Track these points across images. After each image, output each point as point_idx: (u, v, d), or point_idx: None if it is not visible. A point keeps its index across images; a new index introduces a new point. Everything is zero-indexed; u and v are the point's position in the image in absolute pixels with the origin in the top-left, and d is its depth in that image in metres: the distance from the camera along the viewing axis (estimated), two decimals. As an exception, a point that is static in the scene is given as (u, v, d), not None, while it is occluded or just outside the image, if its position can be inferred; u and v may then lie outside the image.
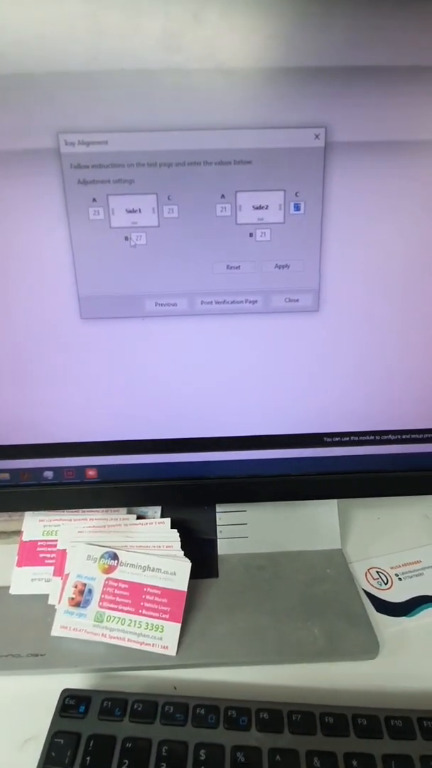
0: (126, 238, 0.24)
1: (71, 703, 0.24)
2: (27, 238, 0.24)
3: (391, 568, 0.34)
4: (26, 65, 0.21)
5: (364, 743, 0.23)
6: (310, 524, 0.35)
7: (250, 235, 0.24)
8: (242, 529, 0.35)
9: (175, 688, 0.27)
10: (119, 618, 0.29)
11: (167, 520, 0.33)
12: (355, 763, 0.22)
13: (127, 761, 0.22)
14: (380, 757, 0.22)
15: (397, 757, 0.22)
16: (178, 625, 0.28)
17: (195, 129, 0.23)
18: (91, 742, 0.23)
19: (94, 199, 0.23)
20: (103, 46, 0.21)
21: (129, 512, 0.34)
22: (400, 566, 0.34)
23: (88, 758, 0.22)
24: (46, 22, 0.21)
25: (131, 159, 0.23)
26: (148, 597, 0.29)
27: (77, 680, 0.27)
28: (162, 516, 0.34)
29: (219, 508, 0.35)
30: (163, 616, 0.29)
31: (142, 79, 0.22)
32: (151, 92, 0.22)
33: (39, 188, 0.23)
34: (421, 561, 0.34)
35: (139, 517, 0.34)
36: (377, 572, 0.33)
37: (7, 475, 0.29)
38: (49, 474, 0.29)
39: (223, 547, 0.34)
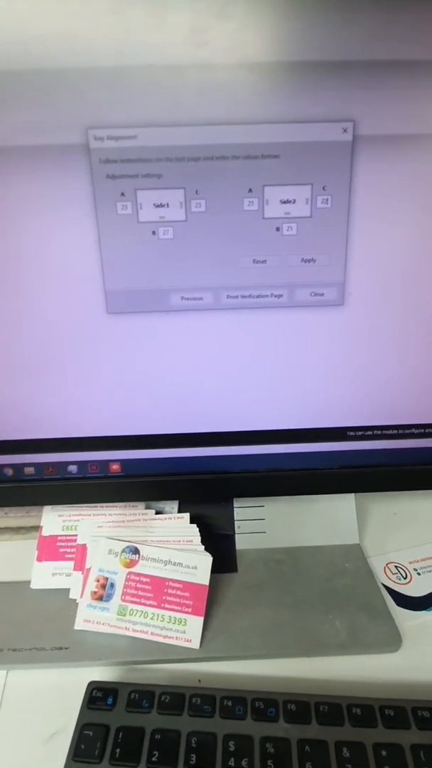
0: (153, 233, 0.24)
1: (98, 695, 0.24)
2: (55, 232, 0.24)
3: (410, 562, 0.34)
4: (53, 60, 0.22)
5: (393, 733, 0.23)
6: (328, 519, 0.35)
7: (277, 229, 0.24)
8: (260, 524, 0.35)
9: (200, 680, 0.27)
10: (142, 611, 0.29)
11: (186, 515, 0.33)
12: (384, 753, 0.22)
13: (157, 752, 0.22)
14: (408, 747, 0.22)
15: (425, 747, 0.22)
16: (201, 619, 0.28)
17: (222, 123, 0.23)
18: (120, 734, 0.23)
19: (122, 194, 0.23)
20: (129, 42, 0.22)
21: (147, 507, 0.34)
22: (418, 561, 0.34)
23: (118, 750, 0.22)
24: (71, 16, 0.21)
25: (159, 154, 0.23)
26: (170, 591, 0.29)
27: (102, 673, 0.27)
28: (180, 511, 0.34)
29: (236, 503, 0.35)
30: (186, 609, 0.29)
31: (169, 75, 0.22)
32: (179, 87, 0.22)
33: (68, 183, 0.23)
34: (438, 555, 0.34)
35: (157, 513, 0.34)
36: (396, 567, 0.33)
37: (32, 470, 0.29)
38: (73, 468, 0.29)
39: (241, 542, 0.34)
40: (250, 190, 0.24)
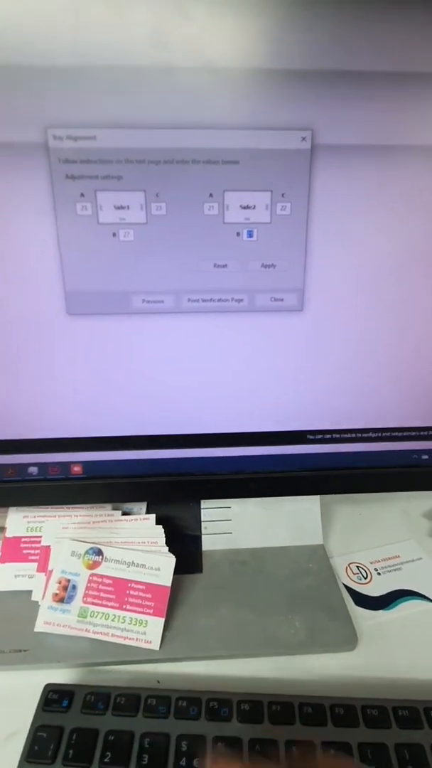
0: (114, 234, 0.24)
1: (54, 698, 0.24)
2: (13, 232, 0.24)
3: (371, 562, 0.35)
4: (11, 57, 0.21)
5: (342, 732, 0.23)
6: (294, 520, 0.35)
7: (237, 234, 0.24)
8: (227, 525, 0.35)
9: (159, 681, 0.27)
10: (103, 613, 0.29)
11: (152, 517, 0.33)
12: (332, 751, 0.23)
13: (109, 753, 0.22)
14: (357, 746, 0.23)
15: (372, 746, 0.23)
16: (162, 620, 0.29)
17: (183, 127, 0.23)
18: (74, 736, 0.23)
19: (82, 195, 0.23)
20: (89, 41, 0.21)
21: (114, 509, 0.34)
22: (379, 561, 0.35)
23: (71, 751, 0.22)
24: (30, 13, 0.21)
25: (119, 155, 0.23)
26: (132, 592, 0.29)
27: (61, 675, 0.27)
28: (147, 512, 0.34)
29: (204, 504, 0.35)
30: (147, 611, 0.29)
31: (130, 76, 0.22)
32: (140, 89, 0.22)
33: (26, 182, 0.23)
34: (399, 556, 0.35)
35: (124, 514, 0.34)
36: (357, 567, 0.34)
37: (-10, 471, 0.28)
38: (33, 470, 0.29)
39: (207, 543, 0.35)
40: (211, 195, 0.24)
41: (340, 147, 0.23)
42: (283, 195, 0.24)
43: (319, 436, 0.29)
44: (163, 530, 0.32)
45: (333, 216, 0.24)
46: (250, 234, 0.24)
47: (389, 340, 0.27)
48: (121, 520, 0.33)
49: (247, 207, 0.24)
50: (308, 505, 0.36)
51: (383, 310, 0.27)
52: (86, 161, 0.23)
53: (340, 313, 0.26)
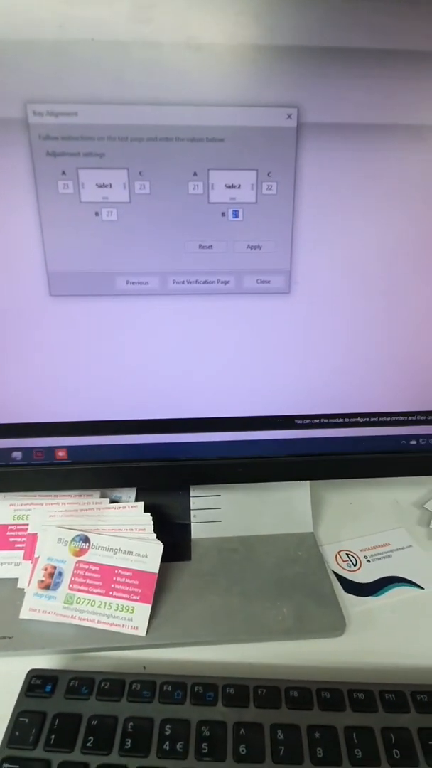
0: (96, 214, 0.24)
1: (37, 683, 0.24)
2: (-7, 210, 0.23)
3: (361, 550, 0.34)
4: (-7, 31, 0.21)
5: (327, 716, 0.23)
6: (283, 508, 0.35)
7: (223, 214, 0.24)
8: (216, 513, 0.35)
9: (144, 667, 0.27)
10: (89, 600, 0.29)
11: (140, 504, 0.33)
12: (317, 735, 0.22)
13: (92, 738, 0.22)
14: (342, 729, 0.23)
15: (358, 729, 0.23)
16: (149, 606, 0.28)
17: (167, 104, 0.22)
18: (57, 721, 0.23)
19: (63, 172, 0.23)
20: (71, 15, 0.21)
21: (102, 496, 0.34)
22: (369, 549, 0.35)
23: (53, 736, 0.22)
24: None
25: (102, 132, 0.22)
26: (119, 579, 0.29)
27: (46, 662, 0.27)
28: (136, 500, 0.34)
29: (193, 492, 0.35)
30: (134, 597, 0.29)
31: (112, 51, 0.21)
32: (122, 64, 0.22)
33: (6, 159, 0.22)
34: (389, 544, 0.35)
35: (112, 502, 0.33)
36: (347, 554, 0.34)
37: (-27, 456, 0.28)
38: (17, 455, 0.28)
39: (196, 531, 0.34)
40: (195, 174, 0.23)
41: (327, 125, 0.23)
42: (269, 174, 0.23)
43: (307, 421, 0.29)
44: (151, 518, 0.32)
45: (320, 196, 0.24)
46: (235, 214, 0.24)
47: (377, 324, 0.27)
48: (109, 508, 0.33)
49: (232, 186, 0.23)
50: (298, 493, 0.35)
51: (371, 293, 0.26)
52: (67, 138, 0.22)
53: (327, 295, 0.26)
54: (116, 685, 0.24)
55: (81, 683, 0.24)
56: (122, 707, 0.23)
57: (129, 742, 0.22)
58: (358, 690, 0.24)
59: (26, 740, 0.22)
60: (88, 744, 0.22)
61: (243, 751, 0.22)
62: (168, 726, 0.23)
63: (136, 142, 0.23)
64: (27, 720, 0.23)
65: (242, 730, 0.23)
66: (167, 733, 0.22)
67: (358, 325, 0.27)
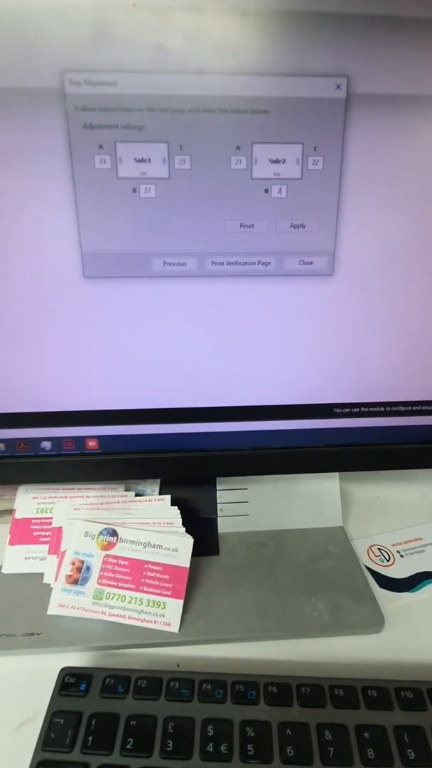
0: (134, 190, 0.22)
1: (71, 681, 0.23)
2: (26, 186, 0.22)
3: (393, 545, 0.34)
4: (26, -3, 0.20)
5: (375, 715, 0.22)
6: (312, 502, 0.34)
7: (266, 191, 0.23)
8: (243, 507, 0.34)
9: (179, 665, 0.26)
10: (119, 595, 0.28)
11: (167, 497, 0.32)
12: (366, 735, 0.22)
13: (131, 739, 0.21)
14: (391, 729, 0.22)
15: (408, 728, 0.22)
16: (181, 602, 0.27)
17: (210, 73, 0.21)
18: (93, 721, 0.22)
19: (100, 146, 0.22)
20: (112, -21, 0.20)
21: (126, 489, 0.33)
22: (401, 543, 0.34)
23: (90, 738, 0.21)
24: None
25: (141, 103, 0.21)
26: (149, 574, 0.28)
27: (76, 659, 0.26)
28: (161, 494, 0.33)
29: (219, 486, 0.34)
30: (165, 592, 0.28)
31: (154, 16, 0.20)
32: (164, 31, 0.21)
33: (41, 132, 0.21)
34: (421, 538, 0.34)
35: (137, 495, 0.32)
36: (379, 549, 0.33)
37: (2, 446, 0.27)
38: (47, 444, 0.27)
39: (223, 526, 0.33)
40: (238, 148, 0.22)
41: (378, 96, 0.22)
42: (315, 148, 0.22)
43: (347, 410, 0.28)
44: (179, 511, 0.31)
45: (368, 172, 0.23)
46: (279, 191, 0.23)
47: (423, 310, 0.26)
48: (135, 501, 0.32)
49: (276, 161, 0.22)
50: (327, 487, 0.34)
51: (418, 277, 0.25)
52: (105, 109, 0.21)
53: (372, 278, 0.25)
54: (153, 683, 0.23)
55: (117, 681, 0.23)
56: (161, 706, 0.22)
57: (171, 743, 0.21)
58: (405, 688, 0.23)
59: (62, 742, 0.21)
60: (128, 746, 0.21)
61: (290, 752, 0.21)
62: (210, 726, 0.22)
63: (177, 114, 0.22)
64: (62, 720, 0.22)
65: (288, 730, 0.22)
66: (210, 734, 0.21)
67: (402, 310, 0.26)
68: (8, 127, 0.21)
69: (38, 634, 0.26)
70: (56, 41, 0.20)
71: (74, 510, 0.31)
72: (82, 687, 0.23)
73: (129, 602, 0.27)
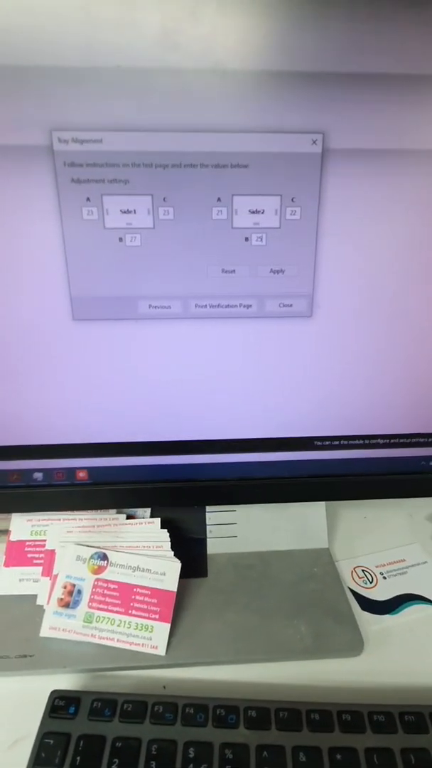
0: (120, 239, 0.24)
1: (60, 704, 0.24)
2: (19, 236, 0.23)
3: (377, 566, 0.35)
4: (17, 57, 0.21)
5: (348, 738, 0.23)
6: (299, 524, 0.35)
7: (246, 239, 0.24)
8: (232, 528, 0.35)
9: (165, 687, 0.27)
10: (109, 618, 0.29)
11: (157, 520, 0.33)
12: (339, 756, 0.23)
13: (117, 761, 0.22)
14: (363, 751, 0.23)
15: (379, 751, 0.23)
16: (168, 625, 0.29)
17: (191, 131, 0.22)
18: (81, 742, 0.23)
19: (88, 199, 0.23)
20: (97, 41, 0.21)
21: (118, 512, 0.34)
22: (385, 564, 0.35)
23: (78, 758, 0.22)
24: (37, 12, 0.20)
25: (126, 159, 0.22)
26: (137, 597, 0.29)
27: (66, 681, 0.27)
28: (152, 516, 0.34)
29: (209, 507, 0.35)
30: (153, 616, 0.29)
31: (138, 77, 0.21)
32: (148, 91, 0.22)
33: (32, 186, 0.22)
34: (405, 560, 0.35)
35: (128, 517, 0.34)
36: (363, 571, 0.34)
37: (-5, 477, 0.28)
38: (38, 475, 0.28)
39: (212, 547, 0.35)
40: (219, 199, 0.23)
41: (353, 151, 0.23)
42: (293, 199, 0.23)
43: (327, 443, 0.29)
44: (168, 534, 0.32)
45: (344, 221, 0.24)
46: (259, 239, 0.24)
47: (398, 348, 0.27)
48: (126, 524, 0.33)
49: (256, 212, 0.23)
50: (314, 509, 0.35)
51: (393, 317, 0.26)
52: (92, 164, 0.22)
53: (349, 319, 0.26)
54: (139, 707, 0.24)
55: (104, 705, 0.24)
56: (145, 729, 0.23)
57: (153, 765, 0.22)
58: (378, 712, 0.24)
59: (52, 762, 0.22)
60: (113, 766, 0.22)
61: (266, 774, 0.22)
62: (191, 749, 0.23)
63: (161, 169, 0.23)
64: (52, 741, 0.23)
65: (264, 752, 0.23)
66: (191, 756, 0.22)
67: (379, 348, 0.27)
68: (1, 181, 0.22)
69: (31, 656, 0.28)
70: (45, 101, 0.21)
71: (67, 533, 0.32)
72: (71, 710, 0.24)
73: (118, 625, 0.29)
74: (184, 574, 0.30)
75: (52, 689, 0.25)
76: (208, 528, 0.35)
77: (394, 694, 0.27)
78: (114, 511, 0.34)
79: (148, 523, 0.33)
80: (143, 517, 0.34)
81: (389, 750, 0.23)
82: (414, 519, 0.39)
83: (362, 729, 0.24)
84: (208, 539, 0.35)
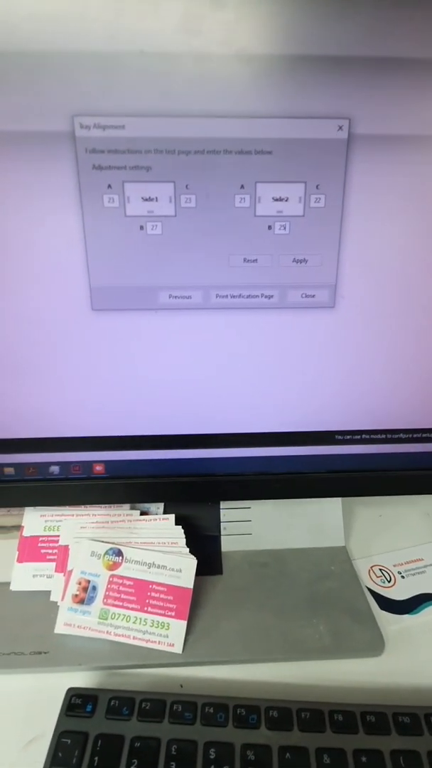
0: (141, 228, 0.23)
1: (77, 702, 0.24)
2: (38, 224, 0.23)
3: (394, 565, 0.34)
4: (40, 42, 0.20)
5: (373, 739, 0.23)
6: (315, 521, 0.35)
7: (269, 227, 0.23)
8: (246, 525, 0.35)
9: (182, 686, 0.26)
10: (124, 615, 0.28)
11: (171, 517, 0.32)
12: (364, 759, 0.22)
13: (136, 761, 0.22)
14: (388, 753, 0.22)
15: (404, 753, 0.22)
16: (184, 623, 0.28)
17: (215, 116, 0.22)
18: (99, 742, 0.22)
19: (109, 186, 0.22)
20: (121, 26, 0.20)
21: (132, 508, 0.33)
22: (402, 564, 0.34)
23: (96, 758, 0.22)
24: (60, -3, 0.20)
25: (148, 145, 0.22)
26: (153, 594, 0.29)
27: (81, 678, 0.26)
28: (165, 512, 0.33)
29: (223, 504, 0.35)
30: (169, 613, 0.28)
31: (161, 62, 0.21)
32: (171, 76, 0.21)
33: (52, 173, 0.22)
34: (423, 559, 0.34)
35: (142, 514, 0.33)
36: (380, 570, 0.33)
37: (12, 470, 0.28)
38: (55, 469, 0.28)
39: (227, 544, 0.34)
40: (242, 187, 0.23)
41: (379, 137, 0.22)
42: (317, 187, 0.23)
43: (348, 437, 0.28)
44: (183, 531, 0.31)
45: (369, 210, 0.24)
46: (282, 227, 0.23)
47: (423, 340, 0.26)
48: (140, 520, 0.33)
49: (279, 199, 0.23)
50: (330, 506, 0.35)
51: (417, 308, 0.26)
52: (114, 151, 0.22)
53: (373, 310, 0.26)
54: (157, 705, 0.24)
55: (121, 703, 0.24)
56: (164, 729, 0.23)
57: (173, 765, 0.22)
58: (403, 713, 0.24)
59: (69, 762, 0.22)
60: (132, 766, 0.22)
61: (290, 776, 0.21)
62: (212, 750, 0.22)
63: (183, 155, 0.22)
64: (69, 741, 0.22)
65: (287, 754, 0.22)
66: (212, 757, 0.22)
67: (402, 340, 0.26)
68: (21, 168, 0.22)
69: (45, 652, 0.27)
70: (67, 87, 0.21)
71: (81, 528, 0.32)
72: (88, 708, 0.24)
73: (134, 622, 0.28)
74: (199, 572, 0.30)
75: (67, 687, 0.25)
76: (222, 525, 0.34)
77: (417, 695, 0.26)
78: (128, 507, 0.33)
79: (163, 519, 0.33)
80: (157, 514, 0.33)
81: (415, 752, 0.22)
82: (431, 517, 0.38)
83: (387, 731, 0.23)
84: (222, 536, 0.34)
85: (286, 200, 0.23)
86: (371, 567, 0.34)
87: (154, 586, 0.29)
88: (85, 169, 0.22)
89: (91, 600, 0.29)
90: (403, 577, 0.33)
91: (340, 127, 0.22)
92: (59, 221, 0.23)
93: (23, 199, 0.22)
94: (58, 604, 0.29)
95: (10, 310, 0.24)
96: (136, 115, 0.22)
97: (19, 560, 0.32)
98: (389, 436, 0.28)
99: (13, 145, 0.22)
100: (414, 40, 0.21)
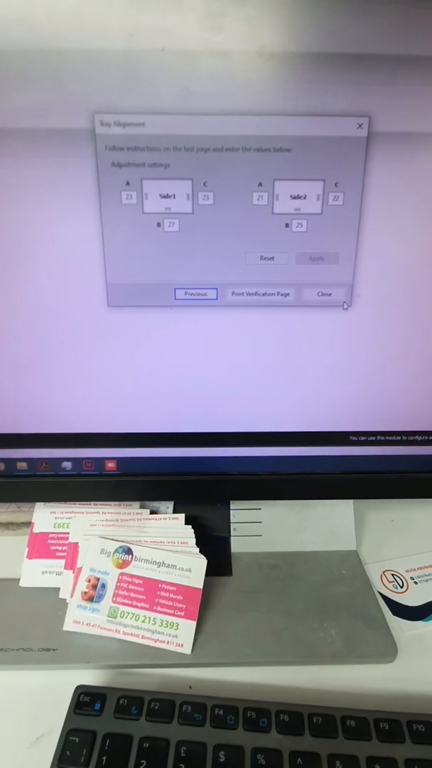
0: (158, 225, 0.23)
1: (86, 701, 0.24)
2: (57, 220, 0.23)
3: (407, 571, 0.33)
4: (60, 40, 0.21)
5: (387, 747, 0.22)
6: (326, 524, 0.34)
7: (286, 225, 0.23)
8: (256, 527, 0.34)
9: (191, 687, 0.26)
10: (133, 614, 0.28)
11: (181, 516, 0.32)
12: (377, 767, 0.22)
13: (144, 761, 0.21)
14: (402, 762, 0.22)
15: (419, 762, 0.22)
16: (194, 623, 0.28)
17: (234, 114, 0.22)
18: (107, 741, 0.22)
19: (127, 183, 0.23)
20: (141, 23, 0.21)
21: (142, 507, 0.33)
22: (415, 569, 0.33)
23: (104, 758, 0.22)
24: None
25: (168, 143, 0.22)
26: (163, 593, 0.29)
27: (90, 676, 0.26)
28: (174, 512, 0.33)
29: (233, 505, 0.35)
30: (179, 613, 0.28)
31: (181, 60, 0.21)
32: (191, 74, 0.21)
33: (72, 169, 0.22)
34: (436, 565, 0.34)
35: (151, 512, 0.33)
36: (393, 575, 0.33)
37: (24, 465, 0.28)
38: (67, 465, 0.28)
39: (236, 545, 0.34)
40: (260, 184, 0.23)
41: (399, 135, 0.22)
42: (336, 185, 0.23)
43: (363, 438, 0.28)
44: (193, 531, 0.31)
45: (388, 208, 0.23)
46: (299, 225, 0.23)
47: (439, 339, 0.26)
48: (150, 519, 0.32)
49: (297, 197, 0.23)
50: (341, 509, 0.34)
51: (434, 307, 0.25)
52: (133, 148, 0.22)
53: (390, 309, 0.25)
54: (166, 706, 0.23)
55: (130, 702, 0.23)
56: (173, 730, 0.23)
57: (182, 767, 0.21)
58: (417, 721, 0.23)
59: (77, 761, 0.22)
60: (141, 767, 0.21)
61: (301, 783, 0.21)
62: (221, 752, 0.22)
63: (202, 153, 0.22)
64: (77, 739, 0.22)
65: (299, 759, 0.22)
66: (221, 760, 0.22)
67: (418, 341, 0.26)
68: (41, 164, 0.22)
69: (54, 649, 0.27)
70: (88, 84, 0.21)
71: (90, 526, 0.32)
72: (97, 706, 0.23)
73: (143, 621, 0.28)
74: (208, 573, 0.29)
75: (75, 685, 0.24)
76: (232, 526, 0.34)
77: (431, 703, 0.25)
78: (137, 505, 0.33)
79: (173, 518, 0.32)
80: (166, 513, 0.33)
81: (430, 762, 0.22)
82: (444, 523, 0.38)
83: (402, 738, 0.22)
84: (232, 537, 0.34)
85: (305, 198, 0.23)
86: (383, 572, 0.33)
87: (163, 585, 0.29)
88: (104, 166, 0.22)
89: (100, 598, 0.29)
90: (416, 583, 0.32)
91: (360, 125, 0.22)
92: (77, 217, 0.23)
93: (42, 196, 0.23)
94: (67, 601, 0.29)
95: (27, 306, 0.25)
96: (156, 112, 0.22)
97: (29, 556, 0.32)
98: (405, 437, 0.28)
99: (34, 142, 0.22)
100: (430, 37, 0.21)
